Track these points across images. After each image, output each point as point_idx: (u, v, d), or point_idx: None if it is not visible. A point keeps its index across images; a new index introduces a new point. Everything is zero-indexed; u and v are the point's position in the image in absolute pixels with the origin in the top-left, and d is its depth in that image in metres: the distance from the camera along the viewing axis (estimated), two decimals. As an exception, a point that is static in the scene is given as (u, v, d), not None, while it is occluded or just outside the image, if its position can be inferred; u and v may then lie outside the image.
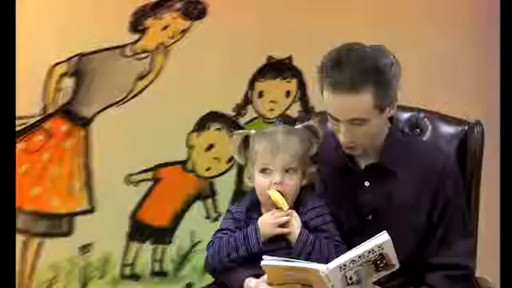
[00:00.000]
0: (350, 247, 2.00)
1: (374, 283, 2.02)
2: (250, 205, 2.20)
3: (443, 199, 2.17)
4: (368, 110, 2.07)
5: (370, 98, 2.05)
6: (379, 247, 1.94)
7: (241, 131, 2.24)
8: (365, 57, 2.07)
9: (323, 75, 2.09)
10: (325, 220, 2.15)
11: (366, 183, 2.20)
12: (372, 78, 2.05)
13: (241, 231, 2.14)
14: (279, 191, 2.10)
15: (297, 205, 2.16)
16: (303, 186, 2.17)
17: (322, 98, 2.12)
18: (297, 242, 2.09)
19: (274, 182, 2.11)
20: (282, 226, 2.11)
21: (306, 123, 2.23)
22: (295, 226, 2.11)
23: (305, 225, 2.13)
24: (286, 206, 2.09)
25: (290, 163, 2.12)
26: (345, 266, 1.94)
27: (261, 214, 2.15)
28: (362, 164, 2.21)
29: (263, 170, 2.13)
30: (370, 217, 2.19)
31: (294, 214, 2.12)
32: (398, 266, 1.98)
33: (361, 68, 2.05)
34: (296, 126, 2.30)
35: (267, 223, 2.11)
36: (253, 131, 2.22)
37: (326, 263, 1.98)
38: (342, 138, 2.13)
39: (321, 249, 2.09)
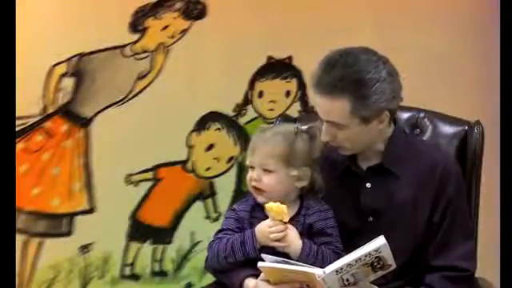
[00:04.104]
0: (351, 248, 2.00)
1: (372, 283, 2.02)
2: (254, 203, 2.19)
3: (444, 200, 2.17)
4: (344, 117, 2.08)
5: (346, 106, 2.07)
6: (376, 251, 1.94)
7: (264, 125, 2.25)
8: (352, 65, 2.07)
9: (313, 74, 2.12)
10: (329, 224, 2.15)
11: (368, 184, 2.20)
12: (349, 88, 2.06)
13: (239, 235, 2.14)
14: (276, 202, 2.09)
15: (301, 207, 2.17)
16: (304, 188, 2.17)
17: None
18: (300, 254, 2.08)
19: (253, 179, 2.14)
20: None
21: (307, 127, 2.22)
22: (293, 239, 2.10)
23: (309, 227, 2.14)
24: (286, 218, 2.09)
25: (266, 163, 2.13)
26: (341, 269, 1.95)
27: (264, 214, 2.14)
28: (364, 166, 2.21)
29: (249, 166, 2.17)
30: (371, 218, 2.19)
31: (290, 226, 2.11)
32: (394, 266, 1.98)
33: (342, 76, 2.06)
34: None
35: (263, 236, 2.11)
36: (265, 126, 2.25)
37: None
38: (320, 135, 2.15)
39: (323, 258, 2.09)
